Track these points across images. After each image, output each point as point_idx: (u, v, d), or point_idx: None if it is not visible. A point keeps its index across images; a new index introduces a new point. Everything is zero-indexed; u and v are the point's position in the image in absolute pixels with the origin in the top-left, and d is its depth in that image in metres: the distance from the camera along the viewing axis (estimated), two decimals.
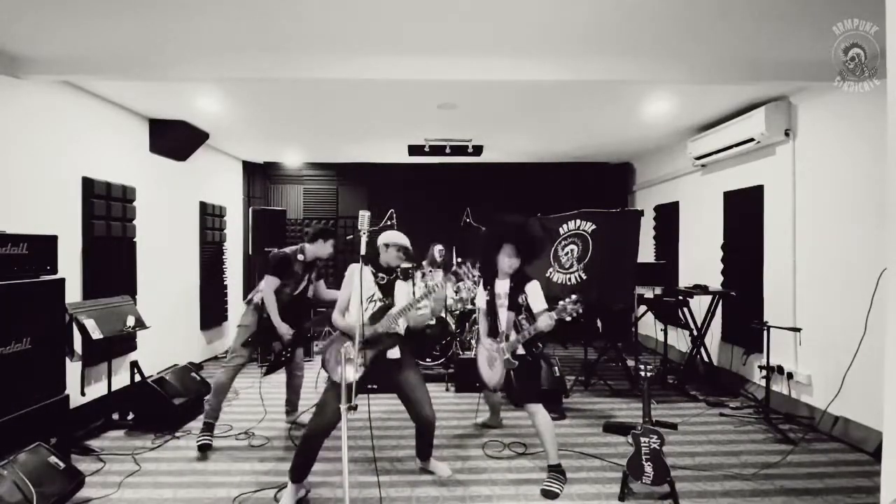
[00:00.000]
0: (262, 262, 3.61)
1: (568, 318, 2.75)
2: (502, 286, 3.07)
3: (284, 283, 3.54)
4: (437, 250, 5.87)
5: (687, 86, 3.88)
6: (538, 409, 2.91)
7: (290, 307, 3.57)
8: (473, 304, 5.43)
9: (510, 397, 3.29)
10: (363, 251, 2.43)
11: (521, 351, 2.99)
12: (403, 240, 2.94)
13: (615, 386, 4.73)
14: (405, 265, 3.06)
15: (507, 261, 3.00)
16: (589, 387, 4.76)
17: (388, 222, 5.30)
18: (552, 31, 2.87)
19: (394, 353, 2.85)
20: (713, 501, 2.71)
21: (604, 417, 3.99)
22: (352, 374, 2.34)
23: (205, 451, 3.30)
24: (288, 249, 3.61)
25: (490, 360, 3.13)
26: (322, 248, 3.61)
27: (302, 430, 3.58)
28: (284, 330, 3.46)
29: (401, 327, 2.88)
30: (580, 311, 2.72)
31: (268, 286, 3.48)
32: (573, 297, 2.76)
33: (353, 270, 2.90)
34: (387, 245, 2.91)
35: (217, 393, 3.46)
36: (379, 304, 2.83)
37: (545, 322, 2.80)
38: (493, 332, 3.10)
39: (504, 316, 3.03)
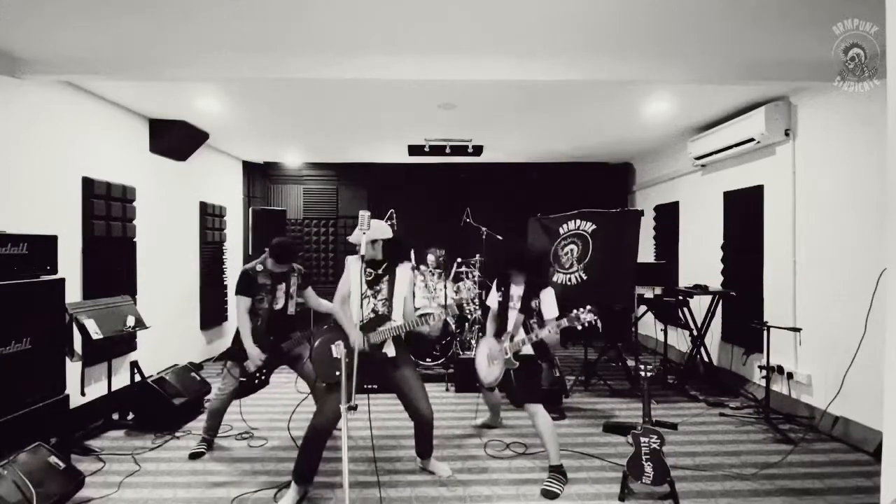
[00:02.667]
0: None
1: (579, 327, 2.77)
2: (517, 290, 3.11)
3: (258, 300, 3.27)
4: (434, 253, 5.83)
5: (687, 86, 3.88)
6: (538, 410, 2.91)
7: (273, 324, 3.31)
8: (474, 303, 5.46)
9: (510, 397, 3.30)
10: (363, 251, 2.43)
11: (528, 351, 3.02)
12: (377, 232, 2.79)
13: (615, 386, 4.73)
14: (407, 264, 3.03)
15: (516, 288, 3.12)
16: (589, 387, 4.75)
17: (388, 222, 5.30)
18: (552, 32, 2.87)
19: (389, 350, 2.84)
20: (713, 501, 2.71)
21: (604, 417, 3.99)
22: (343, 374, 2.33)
23: (196, 458, 3.28)
24: (250, 263, 3.36)
25: (490, 357, 3.15)
26: (276, 266, 3.30)
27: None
28: (255, 353, 3.18)
29: (404, 332, 2.88)
30: (593, 321, 2.73)
31: (237, 307, 3.25)
32: (588, 307, 2.77)
33: (350, 263, 2.89)
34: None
35: (212, 417, 3.39)
36: (371, 300, 2.79)
37: (550, 336, 2.85)
38: (501, 332, 3.12)
39: (513, 317, 3.07)
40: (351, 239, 2.67)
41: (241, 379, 3.27)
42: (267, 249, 3.34)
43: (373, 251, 2.82)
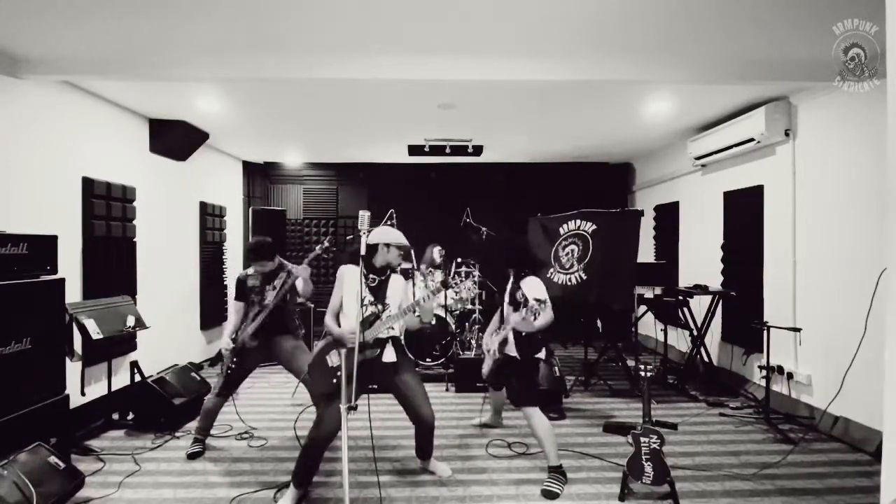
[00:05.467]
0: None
1: (533, 318, 2.68)
2: (510, 285, 3.18)
3: (251, 302, 3.40)
4: (437, 251, 5.85)
5: (687, 86, 3.88)
6: (535, 413, 2.91)
7: (265, 321, 3.34)
8: (474, 304, 5.46)
9: (510, 397, 3.30)
10: (363, 251, 2.43)
11: (513, 353, 3.04)
12: (404, 239, 2.88)
13: (615, 386, 4.74)
14: (405, 265, 3.03)
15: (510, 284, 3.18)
16: (589, 387, 4.76)
17: (388, 222, 5.29)
18: (552, 31, 2.87)
19: (390, 355, 2.82)
20: (713, 501, 2.71)
21: (604, 417, 3.99)
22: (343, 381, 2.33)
23: (194, 458, 3.28)
24: (244, 271, 3.52)
25: (488, 352, 3.26)
26: (258, 265, 3.40)
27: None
28: (225, 342, 3.34)
29: (396, 330, 2.87)
30: (540, 311, 2.67)
31: (230, 312, 3.45)
32: (533, 301, 2.72)
33: (344, 272, 2.86)
34: (388, 245, 2.80)
35: (205, 417, 3.39)
36: (370, 308, 2.76)
37: (521, 323, 2.79)
38: (501, 327, 3.21)
39: (506, 311, 3.15)
40: (394, 242, 2.79)
41: (231, 366, 3.32)
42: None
43: (389, 258, 2.82)
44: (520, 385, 3.02)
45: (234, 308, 3.47)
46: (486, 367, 3.29)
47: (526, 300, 2.95)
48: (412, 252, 2.90)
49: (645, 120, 4.89)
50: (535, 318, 2.68)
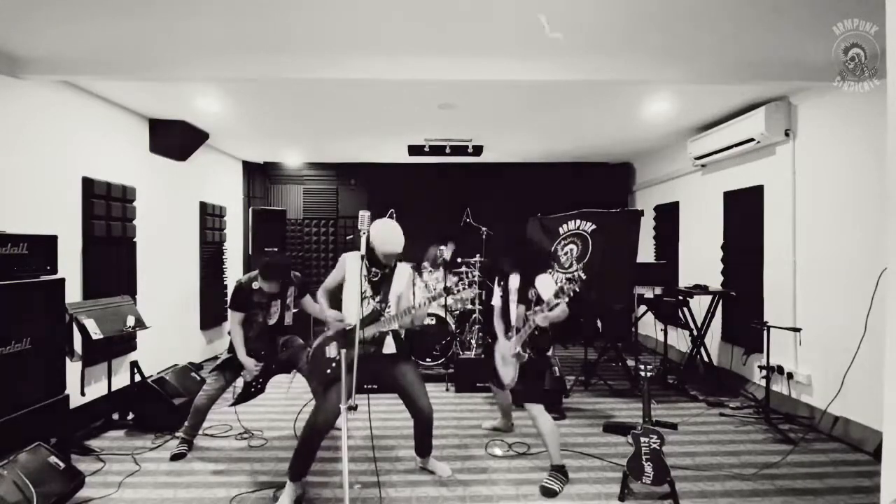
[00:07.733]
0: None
1: (566, 299, 2.72)
2: (514, 281, 3.12)
3: (253, 313, 3.30)
4: (439, 251, 5.85)
5: (687, 86, 3.88)
6: (540, 411, 2.91)
7: (264, 337, 3.34)
8: (473, 304, 5.46)
9: (511, 395, 3.30)
10: (363, 251, 2.42)
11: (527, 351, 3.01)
12: (391, 246, 2.71)
13: (615, 386, 4.73)
14: (406, 263, 3.01)
15: (513, 281, 3.13)
16: (589, 387, 4.75)
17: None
18: (552, 31, 2.87)
19: (389, 347, 2.83)
20: (713, 501, 2.71)
21: (604, 417, 3.99)
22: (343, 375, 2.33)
23: (178, 459, 3.23)
24: (246, 276, 3.37)
25: (504, 357, 3.13)
26: (267, 285, 3.26)
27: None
28: (249, 365, 3.21)
29: (396, 324, 2.87)
30: (577, 289, 2.65)
31: (231, 320, 3.29)
32: (566, 276, 2.78)
33: (346, 259, 2.87)
34: (373, 249, 2.70)
35: (195, 414, 3.33)
36: (370, 303, 2.76)
37: (554, 315, 2.81)
38: (509, 330, 3.13)
39: (514, 310, 3.07)
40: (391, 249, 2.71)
41: (235, 386, 3.28)
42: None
43: (388, 259, 2.79)
44: (524, 383, 3.01)
45: (236, 319, 3.26)
46: (509, 377, 3.09)
47: (538, 298, 2.95)
48: (397, 256, 2.84)
49: (645, 120, 4.89)
50: (551, 311, 2.77)
